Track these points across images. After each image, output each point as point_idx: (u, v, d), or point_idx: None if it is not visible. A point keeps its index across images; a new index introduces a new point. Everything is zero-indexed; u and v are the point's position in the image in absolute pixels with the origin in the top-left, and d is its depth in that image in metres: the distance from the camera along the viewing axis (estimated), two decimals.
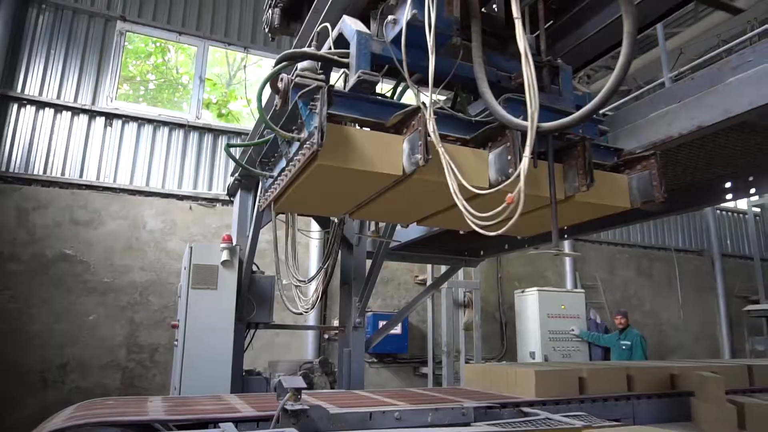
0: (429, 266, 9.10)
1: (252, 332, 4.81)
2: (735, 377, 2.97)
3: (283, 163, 2.14)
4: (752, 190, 3.30)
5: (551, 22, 2.82)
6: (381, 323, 7.21)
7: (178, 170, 8.29)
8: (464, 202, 1.89)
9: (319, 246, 8.20)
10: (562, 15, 2.87)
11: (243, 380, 4.59)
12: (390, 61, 2.14)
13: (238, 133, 8.83)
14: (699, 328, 12.70)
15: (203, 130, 8.64)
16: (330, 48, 2.22)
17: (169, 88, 9.63)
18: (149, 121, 8.27)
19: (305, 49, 2.19)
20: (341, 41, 2.19)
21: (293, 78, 1.99)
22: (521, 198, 1.76)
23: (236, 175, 4.99)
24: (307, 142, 1.74)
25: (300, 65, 2.06)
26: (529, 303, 9.29)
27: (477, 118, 2.28)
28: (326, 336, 8.66)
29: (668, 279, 12.58)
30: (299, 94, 1.78)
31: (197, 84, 8.96)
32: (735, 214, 14.40)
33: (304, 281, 4.54)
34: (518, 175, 1.79)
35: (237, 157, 4.42)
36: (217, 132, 8.73)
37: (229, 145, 2.59)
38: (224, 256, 4.47)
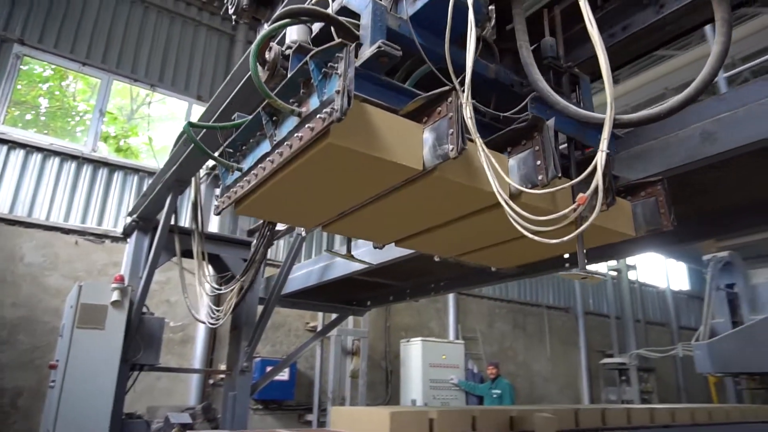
0: (320, 314, 9.37)
1: (136, 374, 4.79)
2: (565, 419, 3.57)
3: (259, 151, 1.82)
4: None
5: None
6: (269, 369, 7.32)
7: (66, 203, 7.98)
8: (512, 203, 1.66)
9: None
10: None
11: (122, 424, 4.53)
12: (406, 42, 1.89)
13: (136, 170, 8.71)
14: (564, 379, 13.96)
15: (98, 163, 8.43)
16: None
17: (64, 117, 9.32)
18: (38, 149, 7.95)
19: (313, 6, 1.90)
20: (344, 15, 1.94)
21: (291, 44, 1.80)
22: (600, 196, 1.56)
23: (134, 216, 5.06)
24: (321, 113, 1.44)
25: (289, 36, 1.89)
26: (413, 352, 9.82)
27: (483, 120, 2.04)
28: (211, 381, 8.53)
29: (540, 333, 13.81)
30: (312, 53, 1.50)
31: (96, 116, 8.78)
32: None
33: (220, 288, 4.47)
34: (594, 169, 1.57)
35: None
36: (113, 167, 8.56)
37: (191, 124, 2.07)
38: (115, 296, 4.48)
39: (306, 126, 1.51)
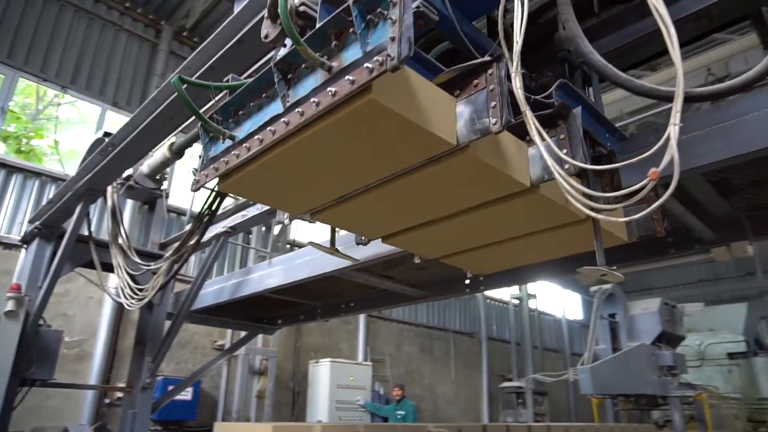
0: (229, 332, 9.22)
1: (26, 390, 4.54)
2: None
3: (263, 116, 1.62)
4: (482, 287, 4.45)
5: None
6: (171, 388, 7.11)
7: None
8: (570, 180, 1.58)
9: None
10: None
11: None
12: (440, 20, 1.76)
13: (37, 174, 8.23)
14: (466, 402, 14.53)
15: None
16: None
17: None
18: None
19: None
20: None
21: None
22: (676, 170, 1.43)
23: (37, 223, 4.84)
24: (369, 62, 1.28)
25: None
26: (322, 373, 9.88)
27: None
28: (107, 401, 8.09)
29: (445, 357, 14.34)
30: (364, 6, 1.35)
31: None
32: (501, 303, 17.17)
33: (148, 265, 4.09)
34: (667, 140, 1.45)
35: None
36: (11, 169, 8.04)
37: (183, 80, 1.75)
38: (9, 306, 4.26)
39: (344, 79, 1.34)
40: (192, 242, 3.47)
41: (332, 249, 2.69)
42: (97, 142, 4.41)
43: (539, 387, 14.00)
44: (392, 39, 1.25)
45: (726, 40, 9.08)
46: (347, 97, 1.34)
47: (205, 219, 3.34)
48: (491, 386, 15.07)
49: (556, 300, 19.38)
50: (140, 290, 4.04)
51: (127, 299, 4.04)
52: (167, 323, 5.40)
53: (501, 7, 1.74)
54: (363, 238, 2.35)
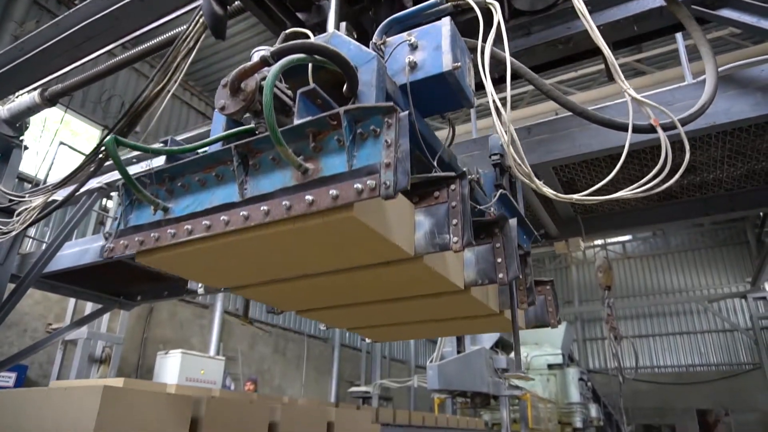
0: (69, 314, 8.39)
1: None
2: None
3: (211, 197, 1.47)
4: None
5: None
6: None
7: None
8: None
9: None
10: None
11: None
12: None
13: None
14: None
15: None
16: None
17: None
18: None
19: (328, 44, 1.61)
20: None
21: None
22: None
23: None
24: (358, 182, 1.23)
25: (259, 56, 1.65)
26: (170, 365, 9.38)
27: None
28: None
29: (297, 360, 14.37)
30: (348, 108, 1.31)
31: None
32: None
33: (22, 197, 3.65)
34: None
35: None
36: None
37: (117, 141, 1.49)
38: None
39: (325, 190, 1.26)
40: (84, 174, 3.25)
41: (246, 320, 2.70)
42: None
43: (385, 392, 14.63)
44: (387, 165, 1.22)
45: None
46: (324, 209, 1.28)
47: (102, 153, 3.17)
48: (340, 391, 15.38)
49: None
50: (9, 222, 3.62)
51: None
52: (9, 287, 4.89)
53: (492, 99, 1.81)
54: (277, 309, 2.29)
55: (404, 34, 1.88)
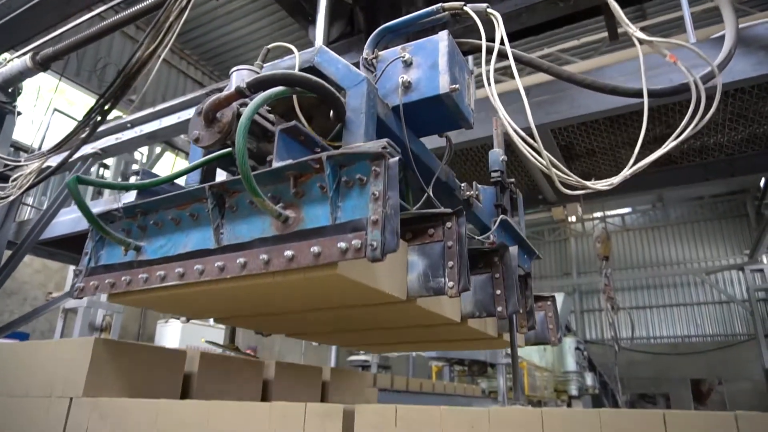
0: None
1: None
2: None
3: (185, 239, 1.37)
4: None
5: None
6: None
7: None
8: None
9: None
10: None
11: None
12: (388, 134, 1.59)
13: None
14: None
15: None
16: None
17: None
18: None
19: (316, 78, 1.45)
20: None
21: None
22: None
23: None
24: (342, 240, 1.12)
25: (238, 81, 1.48)
26: (170, 334, 9.50)
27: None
28: None
29: None
30: (332, 154, 1.19)
31: None
32: None
33: (17, 161, 3.61)
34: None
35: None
36: None
37: (79, 180, 1.40)
38: None
39: (306, 245, 1.15)
40: (78, 138, 3.20)
41: (233, 347, 2.72)
42: None
43: (384, 361, 14.81)
44: (374, 222, 1.09)
45: None
46: (306, 266, 1.17)
47: (96, 117, 3.12)
48: (339, 360, 15.58)
49: None
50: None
51: None
52: (7, 255, 4.89)
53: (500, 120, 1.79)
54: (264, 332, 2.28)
55: (398, 49, 1.73)
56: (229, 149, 1.51)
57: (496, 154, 2.32)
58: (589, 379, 12.41)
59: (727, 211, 20.51)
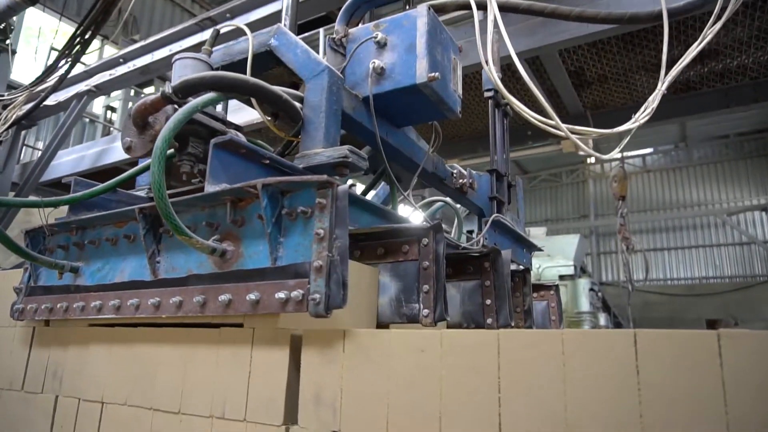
0: None
1: None
2: None
3: (121, 263, 1.27)
4: None
5: None
6: None
7: None
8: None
9: None
10: None
11: None
12: (359, 129, 1.46)
13: None
14: None
15: None
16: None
17: None
18: None
19: (255, 79, 1.24)
20: (264, 62, 1.41)
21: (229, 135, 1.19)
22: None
23: None
24: (282, 291, 0.99)
25: (179, 73, 1.30)
26: None
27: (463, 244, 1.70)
28: None
29: None
30: (266, 182, 1.00)
31: None
32: None
33: (2, 96, 3.49)
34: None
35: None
36: None
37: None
38: None
39: (243, 290, 1.01)
40: (60, 70, 3.09)
41: None
42: None
43: None
44: (317, 270, 0.92)
45: None
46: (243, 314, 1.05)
47: (77, 46, 2.97)
48: None
49: None
50: None
51: None
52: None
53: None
54: None
55: (371, 26, 1.50)
56: (170, 153, 1.33)
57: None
58: (603, 319, 12.50)
59: (753, 151, 19.81)
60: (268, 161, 1.16)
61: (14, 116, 3.37)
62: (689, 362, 0.66)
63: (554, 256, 13.24)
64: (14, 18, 4.99)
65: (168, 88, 1.21)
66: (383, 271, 1.25)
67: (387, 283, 1.23)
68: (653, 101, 1.73)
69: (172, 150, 1.34)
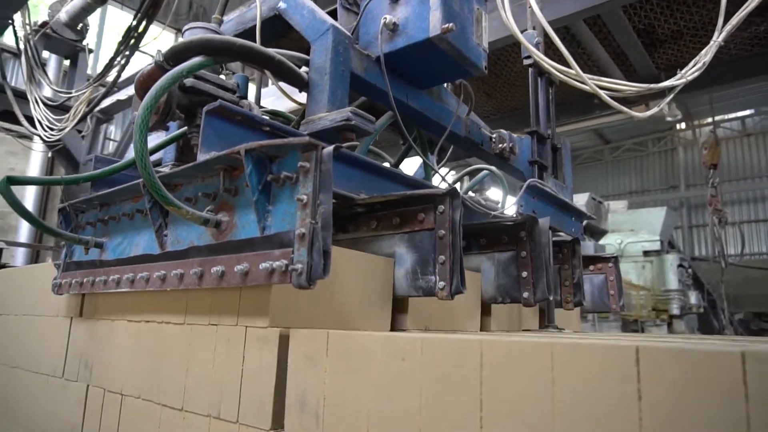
0: None
1: None
2: None
3: (137, 238, 1.31)
4: None
5: None
6: None
7: None
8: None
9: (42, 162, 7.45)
10: None
11: None
12: (374, 92, 1.39)
13: None
14: None
15: None
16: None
17: None
18: None
19: (242, 40, 1.21)
20: (276, 27, 1.36)
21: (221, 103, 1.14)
22: None
23: None
24: (268, 260, 0.95)
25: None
26: None
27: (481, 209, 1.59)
28: None
29: None
30: (250, 147, 0.96)
31: None
32: None
33: (69, 92, 3.74)
34: None
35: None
36: None
37: (11, 180, 1.30)
38: None
39: (235, 260, 1.00)
40: (117, 64, 3.22)
41: None
42: None
43: None
44: (300, 237, 0.88)
45: None
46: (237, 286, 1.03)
47: (132, 39, 3.07)
48: None
49: None
50: (59, 120, 3.79)
51: (45, 131, 3.76)
52: None
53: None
54: None
55: None
56: (183, 130, 1.37)
57: (530, 36, 1.93)
58: (693, 297, 11.63)
59: None
60: (268, 128, 1.13)
61: (82, 111, 3.57)
62: (705, 388, 0.52)
63: (638, 231, 12.45)
64: (88, 19, 5.30)
65: (159, 56, 1.21)
66: (400, 242, 1.21)
67: (404, 254, 1.19)
68: (705, 54, 1.50)
69: (183, 130, 1.38)
